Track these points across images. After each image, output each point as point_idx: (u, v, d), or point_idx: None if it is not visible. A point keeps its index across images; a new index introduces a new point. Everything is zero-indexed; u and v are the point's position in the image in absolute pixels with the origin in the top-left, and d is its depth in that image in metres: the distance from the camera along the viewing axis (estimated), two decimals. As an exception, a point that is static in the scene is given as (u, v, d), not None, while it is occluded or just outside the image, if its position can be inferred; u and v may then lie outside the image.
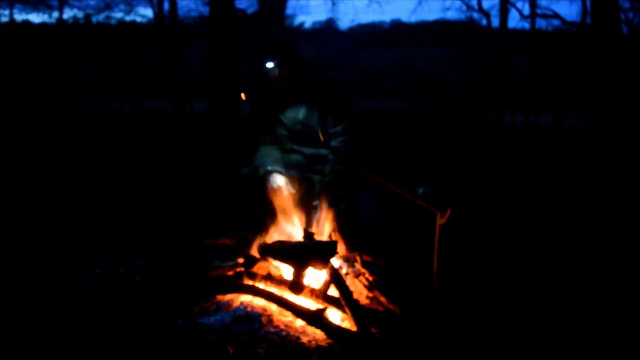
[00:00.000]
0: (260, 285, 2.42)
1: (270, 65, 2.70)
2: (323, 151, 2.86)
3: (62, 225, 3.71)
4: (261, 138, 2.92)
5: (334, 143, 2.83)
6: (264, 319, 2.18)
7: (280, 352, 1.95)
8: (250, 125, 3.00)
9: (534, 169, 7.68)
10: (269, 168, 2.74)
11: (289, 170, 2.82)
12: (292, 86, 2.79)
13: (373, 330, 2.07)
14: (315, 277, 2.44)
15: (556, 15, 14.66)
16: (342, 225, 2.71)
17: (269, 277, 2.47)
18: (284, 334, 2.08)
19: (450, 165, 7.61)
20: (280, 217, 2.70)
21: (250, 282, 2.47)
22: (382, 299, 2.36)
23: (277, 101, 2.87)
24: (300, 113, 2.83)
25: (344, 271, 2.59)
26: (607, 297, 2.63)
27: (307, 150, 2.88)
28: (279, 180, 2.71)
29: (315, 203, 2.75)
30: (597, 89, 7.75)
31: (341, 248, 2.64)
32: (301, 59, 2.77)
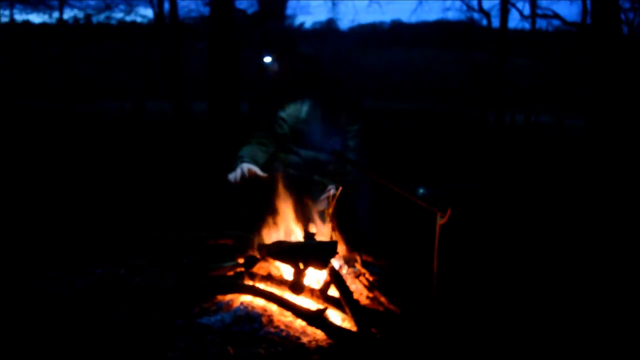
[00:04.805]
0: (260, 285, 2.42)
1: (268, 59, 2.67)
2: (323, 156, 2.84)
3: (61, 225, 3.70)
4: (256, 136, 2.91)
5: (350, 142, 2.82)
6: (264, 319, 2.18)
7: (280, 352, 1.95)
8: (247, 123, 2.99)
9: (533, 169, 7.68)
10: (245, 160, 2.74)
11: (287, 169, 2.81)
12: (293, 81, 2.75)
13: (373, 330, 2.07)
14: (315, 277, 2.44)
15: (556, 15, 14.63)
16: (342, 226, 2.71)
17: (269, 277, 2.47)
18: (284, 334, 2.08)
19: (450, 165, 7.60)
20: (280, 217, 2.70)
21: (250, 282, 2.47)
22: (382, 299, 2.36)
23: (278, 97, 2.84)
24: (303, 110, 2.79)
25: (344, 271, 2.59)
26: (606, 296, 2.63)
27: (306, 153, 2.86)
28: (248, 166, 2.71)
29: (318, 202, 2.75)
30: (597, 89, 7.75)
31: (341, 248, 2.64)
32: (301, 53, 2.74)
